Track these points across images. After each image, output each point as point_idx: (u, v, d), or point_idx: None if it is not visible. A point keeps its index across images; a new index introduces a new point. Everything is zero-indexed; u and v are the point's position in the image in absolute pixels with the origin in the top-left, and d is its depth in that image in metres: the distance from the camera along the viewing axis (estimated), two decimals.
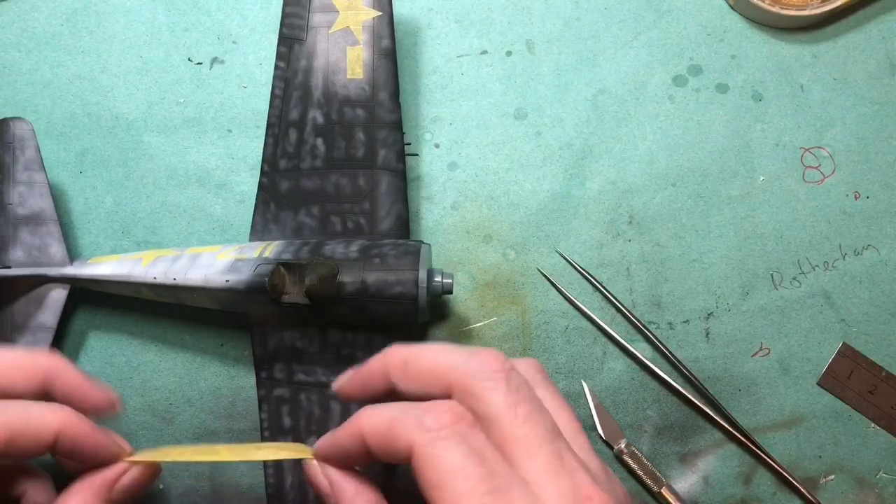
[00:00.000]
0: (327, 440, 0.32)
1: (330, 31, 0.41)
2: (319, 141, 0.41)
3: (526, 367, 0.32)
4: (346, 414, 0.38)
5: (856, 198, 0.46)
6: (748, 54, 0.48)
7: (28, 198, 0.42)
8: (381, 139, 0.40)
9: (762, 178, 0.46)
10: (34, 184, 0.42)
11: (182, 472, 0.43)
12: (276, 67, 0.41)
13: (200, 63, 0.47)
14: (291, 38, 0.41)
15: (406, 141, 0.41)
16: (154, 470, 0.34)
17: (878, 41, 0.48)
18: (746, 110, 0.47)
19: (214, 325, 0.44)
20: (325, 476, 0.32)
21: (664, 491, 0.42)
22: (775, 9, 0.46)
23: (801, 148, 0.47)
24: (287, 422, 0.39)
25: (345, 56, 0.40)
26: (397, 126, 0.41)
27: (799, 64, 0.48)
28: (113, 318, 0.45)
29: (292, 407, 0.39)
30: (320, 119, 0.41)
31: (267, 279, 0.37)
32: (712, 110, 0.47)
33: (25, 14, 0.48)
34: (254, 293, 0.37)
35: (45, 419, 0.30)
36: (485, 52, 0.48)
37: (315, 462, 0.33)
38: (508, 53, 0.48)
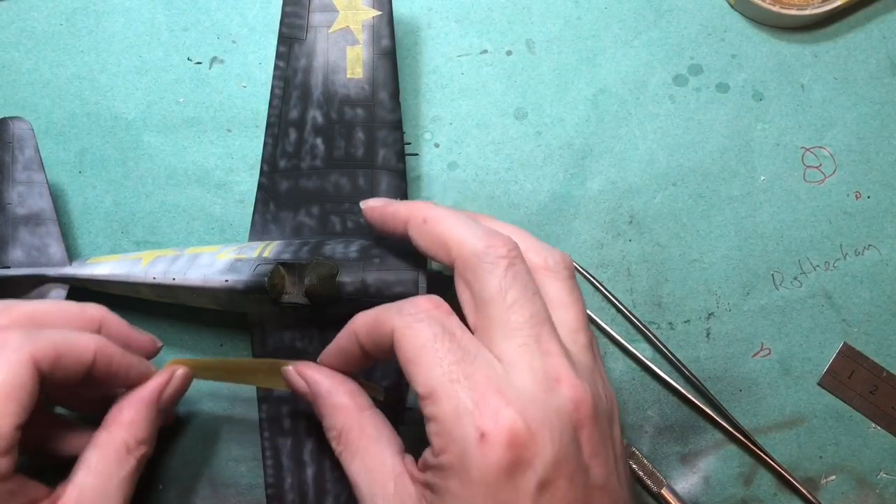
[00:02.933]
0: (329, 347, 0.34)
1: (330, 31, 0.40)
2: (319, 140, 0.41)
3: (551, 255, 0.33)
4: None
5: (857, 197, 0.46)
6: (749, 54, 0.48)
7: (27, 198, 0.42)
8: (380, 139, 0.40)
9: (763, 177, 0.46)
10: (33, 183, 0.42)
11: (181, 473, 0.43)
12: (276, 67, 0.41)
13: (200, 62, 0.47)
14: (291, 37, 0.41)
15: (406, 141, 0.41)
16: (190, 375, 0.37)
17: (878, 41, 0.48)
18: (747, 110, 0.47)
19: (214, 325, 0.44)
20: (302, 376, 0.34)
21: (664, 491, 0.42)
22: (776, 8, 0.46)
23: (801, 147, 0.47)
24: (287, 423, 0.39)
25: (344, 55, 0.40)
26: (397, 126, 0.40)
27: (800, 63, 0.48)
28: None
29: (292, 408, 0.39)
30: (320, 119, 0.41)
31: (266, 279, 0.37)
32: (713, 110, 0.47)
33: (25, 14, 0.48)
34: (253, 293, 0.37)
35: (85, 340, 0.33)
36: (485, 51, 0.48)
37: (289, 368, 0.35)
38: (508, 53, 0.48)
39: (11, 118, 0.42)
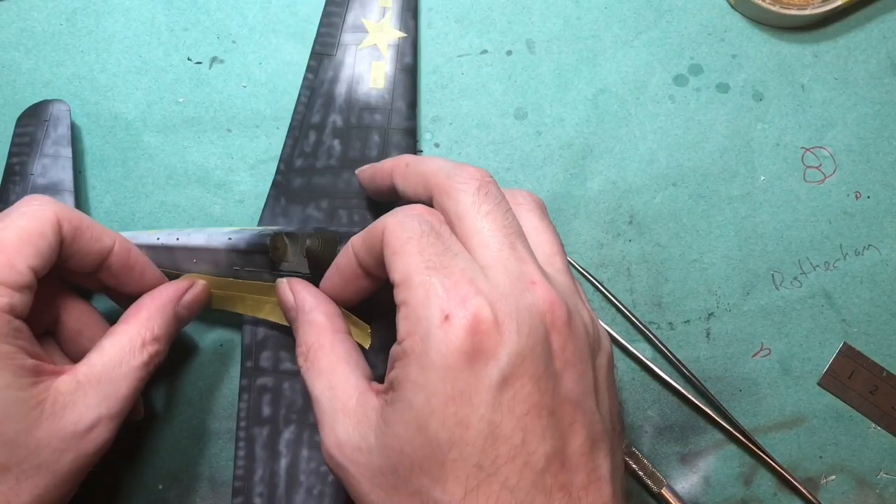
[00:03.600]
0: (329, 270, 0.36)
1: (358, 47, 0.43)
2: (336, 142, 0.42)
3: (522, 194, 0.34)
4: None
5: (857, 198, 0.46)
6: (749, 54, 0.48)
7: (50, 169, 0.43)
8: (394, 142, 0.42)
9: (763, 177, 0.46)
10: (59, 157, 0.43)
11: (181, 473, 0.43)
12: (305, 78, 0.44)
13: (200, 62, 0.47)
14: (322, 53, 0.44)
15: (418, 148, 0.42)
16: (208, 289, 0.39)
17: (878, 41, 0.48)
18: (747, 110, 0.47)
19: (214, 324, 0.44)
20: (292, 290, 0.36)
21: (664, 491, 0.42)
22: (776, 8, 0.46)
23: (801, 148, 0.47)
24: (266, 410, 0.39)
25: (369, 69, 0.43)
26: (412, 133, 0.43)
27: (800, 63, 0.48)
28: (112, 317, 0.45)
29: (274, 396, 0.39)
30: (340, 122, 0.43)
31: (269, 239, 0.37)
32: (713, 110, 0.47)
33: (25, 13, 0.48)
34: (253, 254, 0.38)
35: (106, 230, 0.35)
36: (485, 51, 0.48)
37: (282, 280, 0.37)
38: (509, 53, 0.48)
39: (52, 100, 0.44)
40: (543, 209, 0.34)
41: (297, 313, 0.35)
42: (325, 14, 0.44)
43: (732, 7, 0.48)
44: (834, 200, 0.46)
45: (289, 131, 0.43)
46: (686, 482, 0.43)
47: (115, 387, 0.33)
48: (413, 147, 0.42)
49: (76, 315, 0.37)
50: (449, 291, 0.27)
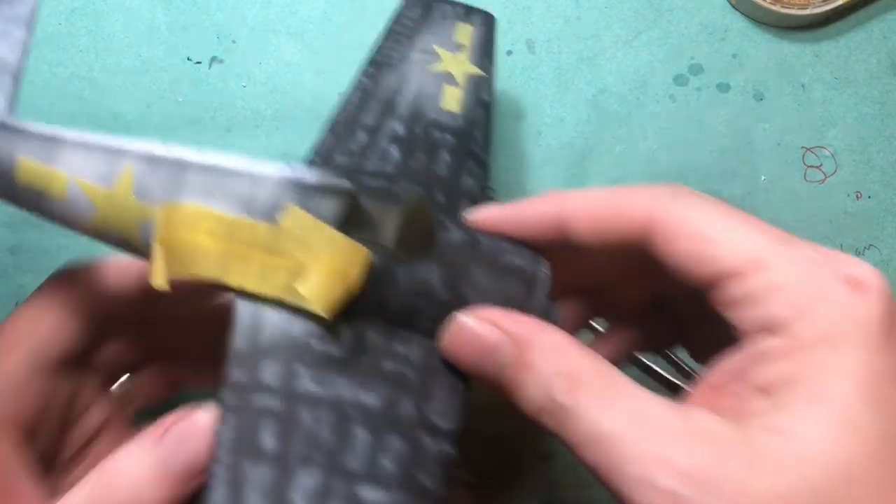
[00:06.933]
0: (490, 217, 0.28)
1: (428, 68, 0.40)
2: (394, 148, 0.38)
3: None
4: (378, 445, 0.26)
5: (857, 197, 0.46)
6: (749, 53, 0.48)
7: None
8: (467, 167, 0.37)
9: (763, 177, 0.46)
10: (7, 35, 0.32)
11: None
12: (359, 81, 0.40)
13: (199, 62, 0.47)
14: (383, 63, 0.40)
15: (491, 186, 0.38)
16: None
17: (879, 40, 0.48)
18: (748, 110, 0.47)
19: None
20: (485, 319, 0.25)
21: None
22: (777, 7, 0.46)
23: (802, 147, 0.47)
24: (269, 442, 0.25)
25: (440, 91, 0.39)
26: (485, 166, 0.38)
27: (800, 63, 0.48)
28: None
29: (283, 425, 0.26)
30: (401, 130, 0.38)
31: (348, 182, 0.27)
32: (713, 110, 0.47)
33: None
34: (320, 198, 0.26)
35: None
36: None
37: (463, 316, 0.26)
38: (508, 53, 0.47)
39: None
40: None
41: (521, 346, 0.24)
42: (391, 31, 0.42)
43: (733, 6, 0.48)
44: (835, 200, 0.46)
45: (330, 127, 0.38)
46: None
47: None
48: (485, 178, 0.38)
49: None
50: (831, 258, 0.22)
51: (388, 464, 0.25)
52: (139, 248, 0.27)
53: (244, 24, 0.48)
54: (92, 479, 0.24)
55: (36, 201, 0.28)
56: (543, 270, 0.28)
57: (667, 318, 0.31)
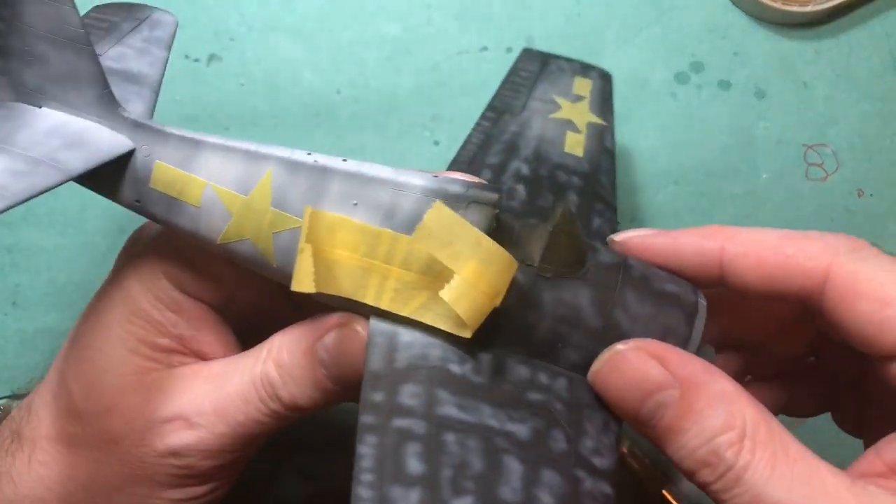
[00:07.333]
0: (645, 244, 0.25)
1: (549, 115, 0.41)
2: (521, 187, 0.37)
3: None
4: (534, 479, 0.24)
5: (859, 195, 0.46)
6: (751, 51, 0.47)
7: (129, 59, 0.33)
8: (597, 210, 0.37)
9: (765, 175, 0.46)
10: (148, 54, 0.34)
11: None
12: (480, 125, 0.40)
13: (197, 60, 0.47)
14: (503, 109, 0.41)
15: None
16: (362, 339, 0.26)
17: (880, 38, 0.48)
18: (749, 107, 0.47)
19: None
20: (658, 357, 0.23)
21: (665, 492, 0.42)
22: (778, 5, 0.46)
23: (803, 145, 0.46)
24: (415, 466, 0.24)
25: (563, 136, 0.40)
26: (614, 209, 0.37)
27: (801, 61, 0.47)
28: None
29: (427, 448, 0.25)
30: (526, 171, 0.38)
31: (500, 193, 0.26)
32: (715, 107, 0.47)
33: None
34: (467, 207, 0.25)
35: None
36: (485, 48, 0.47)
37: (624, 348, 0.24)
38: (509, 50, 0.47)
39: (160, 9, 0.35)
40: None
41: (687, 389, 0.23)
42: (510, 81, 0.43)
43: (734, 4, 0.48)
44: (836, 198, 0.46)
45: (452, 164, 0.38)
46: (687, 482, 0.43)
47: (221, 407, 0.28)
48: (615, 222, 0.37)
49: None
50: None
51: (546, 499, 0.23)
52: (269, 261, 0.26)
53: (242, 22, 0.47)
54: (263, 352, 0.27)
55: (166, 209, 0.28)
56: (702, 301, 0.26)
57: (818, 380, 0.29)
